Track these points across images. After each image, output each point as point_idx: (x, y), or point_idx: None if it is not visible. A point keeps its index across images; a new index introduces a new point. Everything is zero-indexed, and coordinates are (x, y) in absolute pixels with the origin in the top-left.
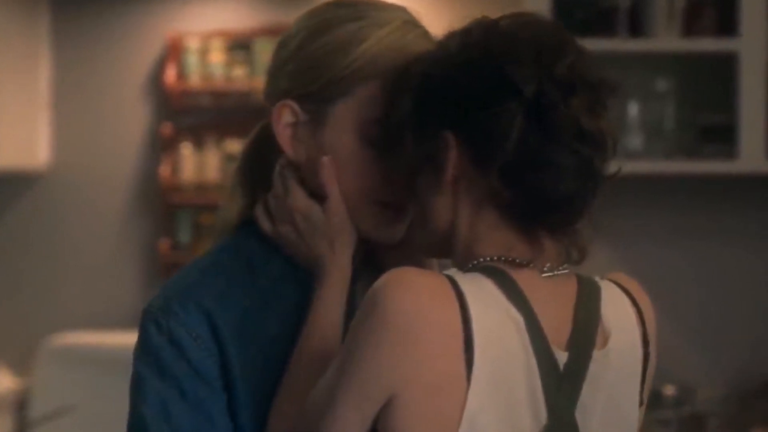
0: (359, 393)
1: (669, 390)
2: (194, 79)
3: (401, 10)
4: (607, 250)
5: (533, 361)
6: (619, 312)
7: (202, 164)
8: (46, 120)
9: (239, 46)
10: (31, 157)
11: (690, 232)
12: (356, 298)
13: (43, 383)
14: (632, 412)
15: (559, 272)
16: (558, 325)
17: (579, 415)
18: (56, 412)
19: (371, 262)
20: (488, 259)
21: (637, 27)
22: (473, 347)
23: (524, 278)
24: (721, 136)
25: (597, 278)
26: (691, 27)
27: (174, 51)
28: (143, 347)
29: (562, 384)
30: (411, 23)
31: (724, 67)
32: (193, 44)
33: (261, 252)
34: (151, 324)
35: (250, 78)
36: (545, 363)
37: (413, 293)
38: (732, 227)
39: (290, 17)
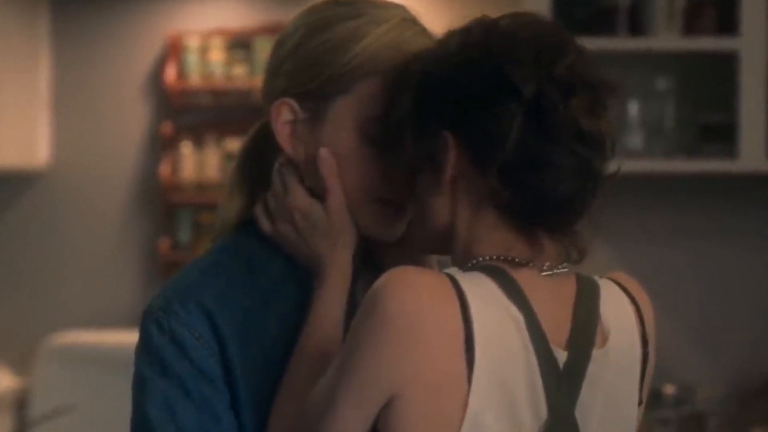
0: (359, 393)
1: (669, 389)
2: (194, 78)
3: (399, 7)
4: (607, 249)
5: (533, 360)
6: (618, 311)
7: (202, 163)
8: (46, 119)
9: (239, 44)
10: (31, 156)
11: (690, 232)
12: (356, 297)
13: (43, 382)
14: (631, 411)
15: (558, 271)
16: (557, 324)
17: (579, 414)
18: (56, 411)
19: (370, 260)
20: (488, 258)
21: (637, 26)
22: (474, 347)
23: (524, 277)
24: (721, 135)
25: (596, 277)
26: (691, 26)
27: (174, 50)
28: (145, 348)
29: (561, 383)
30: (409, 21)
31: (725, 66)
32: (193, 43)
33: (261, 252)
34: (153, 324)
35: (250, 77)
36: (545, 362)
37: (413, 293)
38: (732, 226)
39: (290, 16)
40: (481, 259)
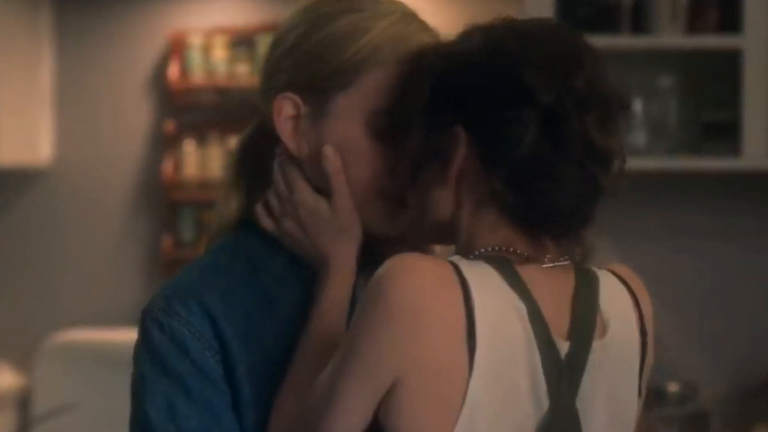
0: (362, 379)
1: (672, 387)
2: (197, 76)
3: (399, 3)
4: (609, 247)
5: (535, 350)
6: (616, 302)
7: (205, 161)
8: (49, 117)
9: (242, 42)
10: (34, 154)
11: (692, 230)
12: (357, 291)
13: (46, 381)
14: (631, 402)
15: (558, 264)
16: (558, 315)
17: (579, 404)
18: (58, 409)
19: (371, 255)
20: (490, 249)
21: (640, 24)
22: (475, 335)
23: (525, 269)
24: (724, 132)
25: (594, 268)
26: (694, 24)
27: (177, 48)
28: (145, 348)
29: (563, 374)
30: (410, 15)
31: (728, 64)
32: (195, 41)
33: (263, 250)
34: (153, 324)
35: (253, 74)
36: (547, 352)
37: (416, 280)
38: (735, 225)
39: None
40: (483, 250)
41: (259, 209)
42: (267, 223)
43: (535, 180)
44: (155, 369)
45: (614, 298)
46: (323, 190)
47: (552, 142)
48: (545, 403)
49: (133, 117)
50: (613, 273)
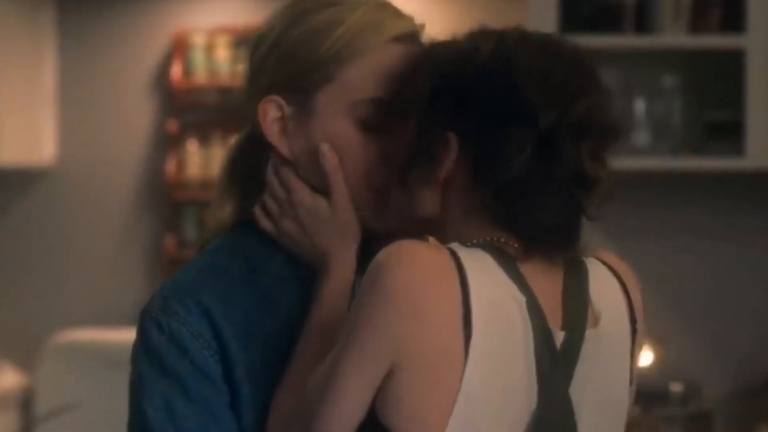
0: (360, 366)
1: (675, 387)
2: (200, 76)
3: None
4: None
5: (531, 339)
6: (606, 291)
7: (207, 161)
8: (52, 117)
9: (245, 42)
10: (37, 153)
11: (696, 229)
12: (355, 287)
13: (48, 380)
14: (623, 390)
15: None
16: (551, 305)
17: (573, 393)
18: (61, 408)
19: (367, 251)
20: (482, 240)
21: (643, 23)
22: (471, 322)
23: (519, 259)
24: (727, 132)
25: (582, 258)
26: (697, 23)
27: (179, 47)
28: (144, 348)
29: (558, 363)
30: (384, 3)
31: (731, 64)
32: (198, 41)
33: (261, 251)
34: (151, 324)
35: None
36: (543, 342)
37: (414, 267)
38: (738, 224)
39: None
40: (475, 241)
41: (258, 211)
42: (266, 224)
43: (521, 198)
44: (154, 369)
45: (604, 288)
46: (319, 188)
47: (543, 165)
48: (538, 392)
49: (135, 117)
50: (602, 261)
